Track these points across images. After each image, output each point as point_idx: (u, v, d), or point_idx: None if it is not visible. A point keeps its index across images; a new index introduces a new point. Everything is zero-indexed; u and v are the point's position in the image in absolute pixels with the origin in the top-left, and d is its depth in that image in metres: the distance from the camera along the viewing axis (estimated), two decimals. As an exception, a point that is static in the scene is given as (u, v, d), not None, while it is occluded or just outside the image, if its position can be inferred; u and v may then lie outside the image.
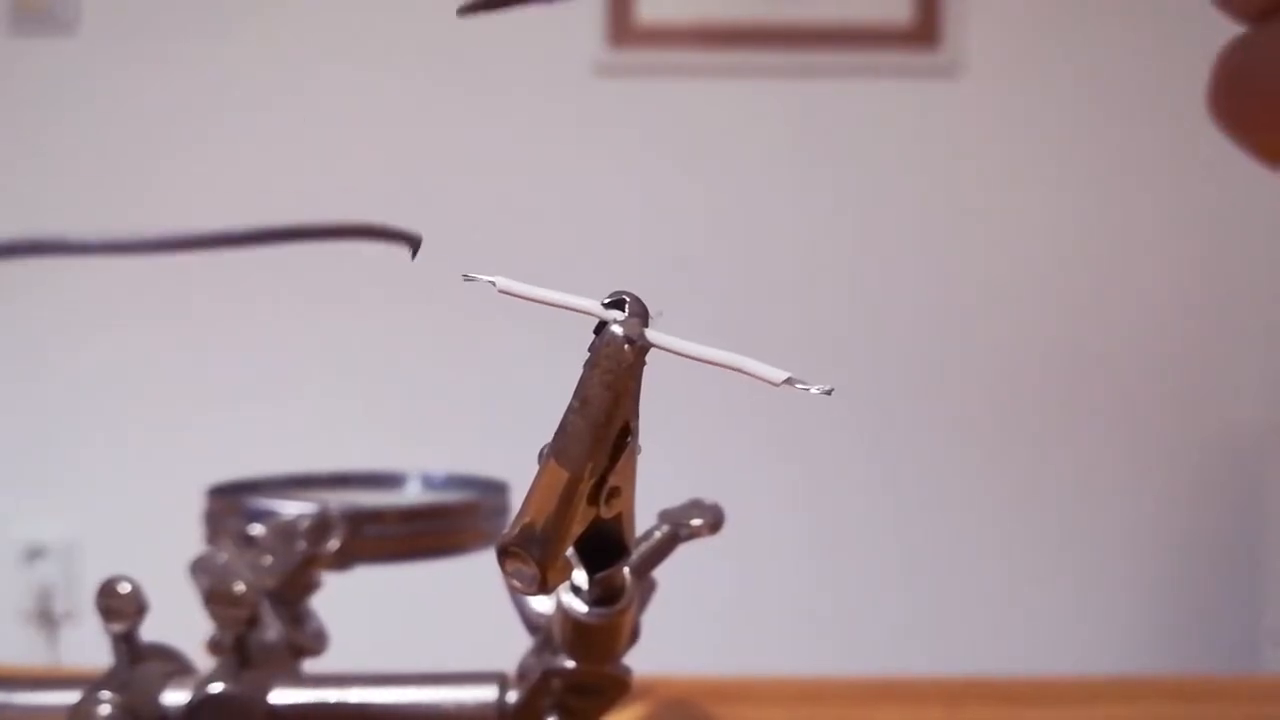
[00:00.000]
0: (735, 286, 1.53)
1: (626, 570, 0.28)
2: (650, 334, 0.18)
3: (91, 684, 0.33)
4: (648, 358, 0.18)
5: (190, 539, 0.47)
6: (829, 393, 0.16)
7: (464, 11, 0.17)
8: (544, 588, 0.19)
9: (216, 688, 0.34)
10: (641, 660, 0.32)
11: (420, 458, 0.64)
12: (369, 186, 1.52)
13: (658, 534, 0.31)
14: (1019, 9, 1.53)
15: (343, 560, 0.42)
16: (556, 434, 0.19)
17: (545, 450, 0.19)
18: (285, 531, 0.40)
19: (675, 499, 0.33)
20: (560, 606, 0.29)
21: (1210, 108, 0.23)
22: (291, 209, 1.58)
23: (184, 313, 1.52)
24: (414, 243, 0.16)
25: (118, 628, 0.34)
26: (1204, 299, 1.57)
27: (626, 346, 0.17)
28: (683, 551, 0.32)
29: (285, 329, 1.52)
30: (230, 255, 1.53)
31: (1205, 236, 1.53)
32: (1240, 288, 1.55)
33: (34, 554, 1.54)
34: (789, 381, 0.16)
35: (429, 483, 0.53)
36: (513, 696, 0.33)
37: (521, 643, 0.35)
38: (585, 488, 0.19)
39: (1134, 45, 1.52)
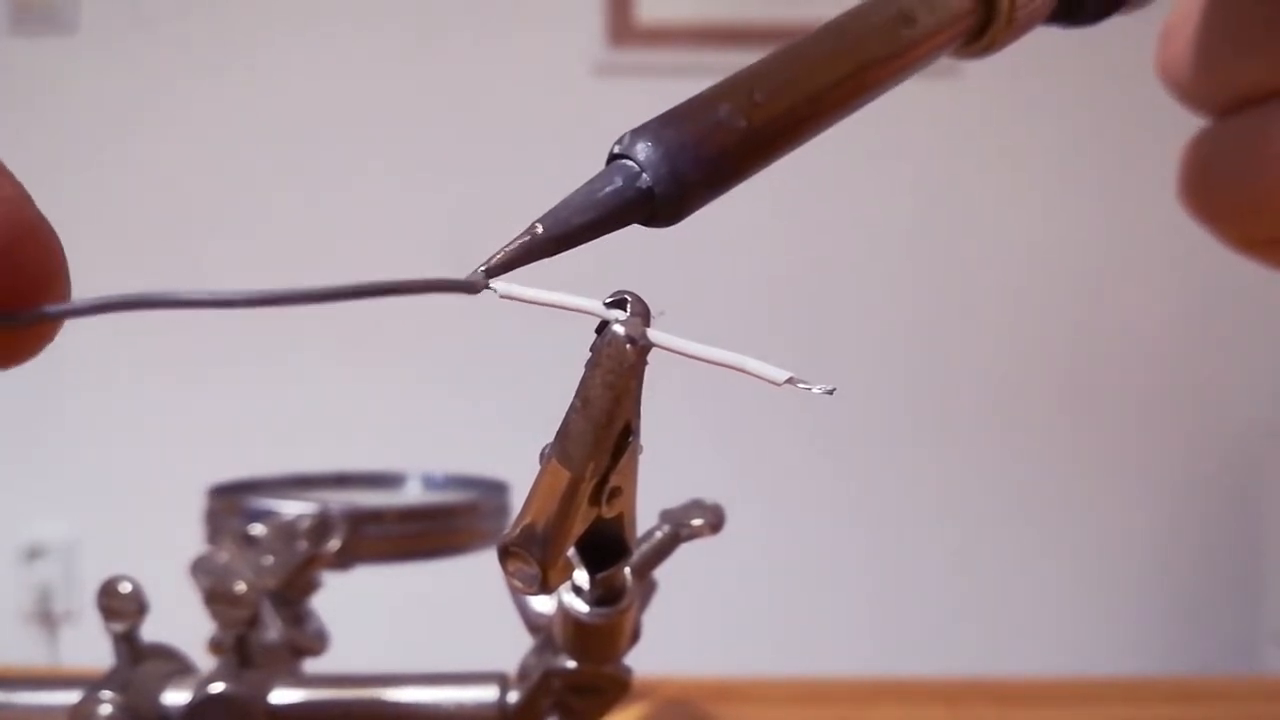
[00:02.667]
0: (734, 286, 1.53)
1: (627, 570, 0.28)
2: (652, 333, 0.18)
3: (92, 684, 0.33)
4: (649, 358, 0.18)
5: (190, 539, 0.47)
6: (831, 392, 0.16)
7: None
8: (545, 588, 0.19)
9: (217, 688, 0.34)
10: (642, 660, 0.32)
11: (420, 458, 0.64)
12: (369, 186, 1.52)
13: (659, 534, 0.31)
14: (1019, 9, 1.53)
15: (343, 560, 0.42)
16: (558, 434, 0.19)
17: (546, 450, 0.19)
18: (286, 531, 0.40)
19: (676, 499, 0.33)
20: (561, 607, 0.29)
21: (1181, 200, 0.23)
22: (291, 209, 1.59)
23: (184, 313, 1.52)
24: (477, 289, 0.17)
25: (118, 628, 0.34)
26: (1205, 299, 1.57)
27: (629, 346, 0.17)
28: (683, 551, 0.32)
29: (285, 329, 1.52)
30: (231, 259, 1.53)
31: (1206, 235, 1.53)
32: (1241, 288, 1.54)
33: (34, 554, 1.54)
34: (790, 381, 0.16)
35: (429, 483, 0.53)
36: (513, 696, 0.33)
37: (522, 643, 0.35)
38: (587, 488, 0.19)
39: (1136, 43, 1.52)
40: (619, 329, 0.17)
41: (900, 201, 1.56)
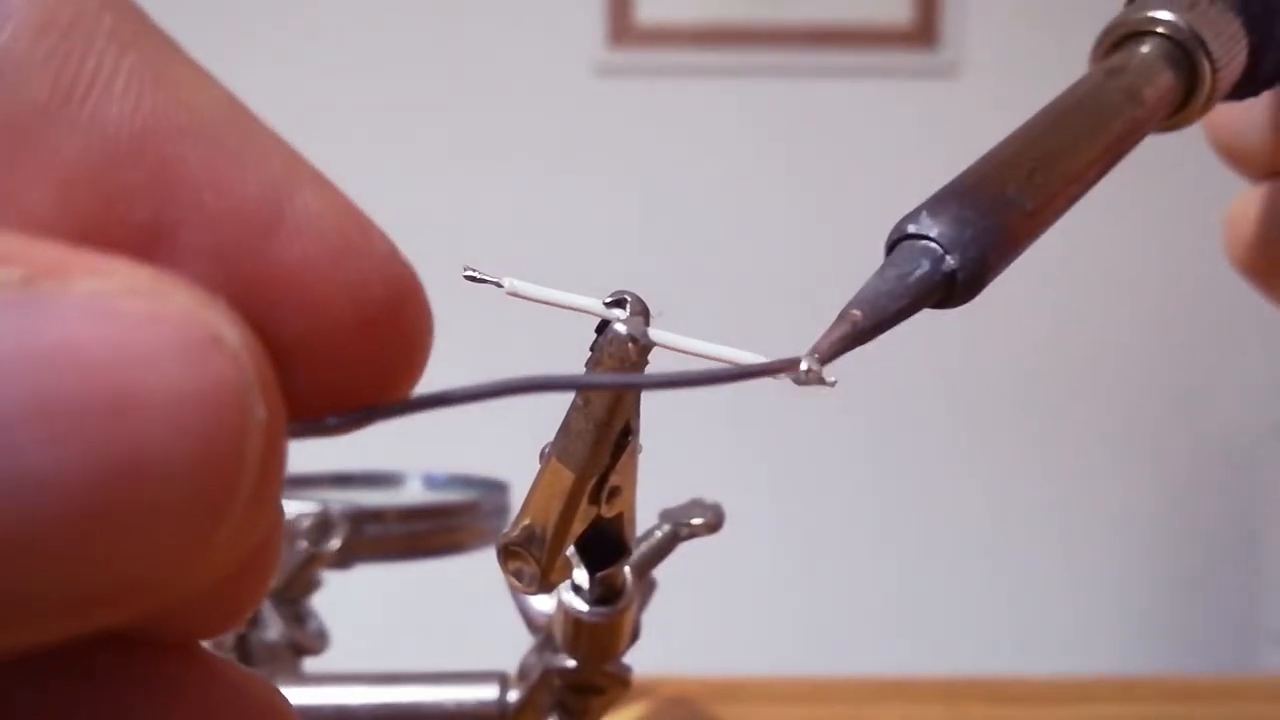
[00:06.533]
0: (735, 286, 1.53)
1: (627, 570, 0.28)
2: (653, 332, 0.18)
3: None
4: (649, 358, 0.18)
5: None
6: (834, 384, 0.16)
7: None
8: (545, 587, 0.20)
9: (217, 687, 0.33)
10: (641, 660, 0.32)
11: (420, 458, 0.64)
12: (368, 185, 1.52)
13: (658, 533, 0.31)
14: (1018, 8, 1.53)
15: (343, 559, 0.42)
16: (558, 433, 0.19)
17: (546, 449, 0.19)
18: (286, 531, 0.40)
19: (676, 498, 0.33)
20: (561, 606, 0.29)
21: (1230, 259, 0.23)
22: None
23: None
24: (802, 375, 0.16)
25: (118, 627, 0.34)
26: (1203, 298, 1.57)
27: (630, 345, 0.17)
28: (683, 551, 0.32)
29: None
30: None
31: (1205, 235, 1.53)
32: (1240, 287, 1.54)
33: (34, 554, 1.54)
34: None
35: (429, 482, 0.53)
36: (513, 696, 0.33)
37: (522, 642, 0.35)
38: (587, 487, 0.19)
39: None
40: (620, 328, 0.17)
41: (901, 201, 1.55)
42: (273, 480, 0.11)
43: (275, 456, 0.11)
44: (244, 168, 0.12)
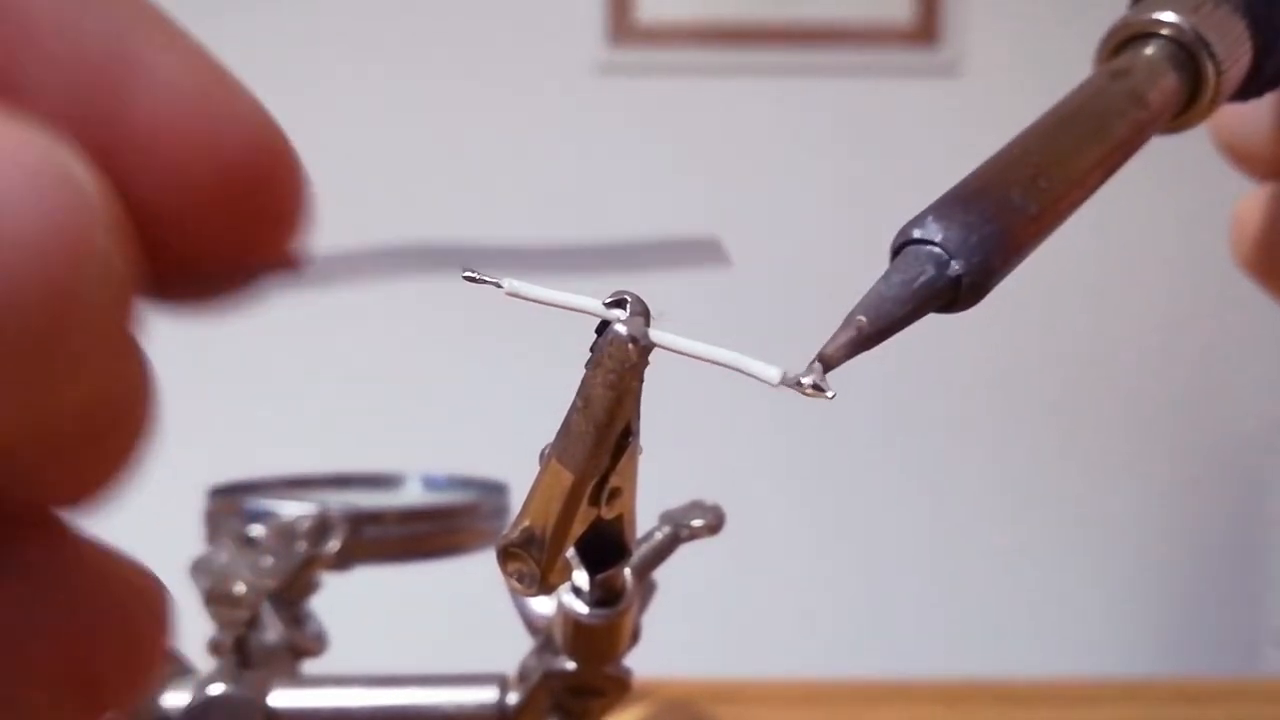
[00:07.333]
0: (734, 286, 1.53)
1: (627, 571, 0.28)
2: (653, 333, 0.17)
3: (90, 685, 0.33)
4: (650, 358, 0.18)
5: (190, 539, 0.47)
6: (831, 396, 0.16)
7: None
8: (544, 589, 0.19)
9: (216, 689, 0.33)
10: (642, 661, 0.32)
11: (420, 458, 0.64)
12: (368, 185, 1.52)
13: (658, 535, 0.31)
14: (1019, 7, 1.53)
15: (343, 561, 0.42)
16: (558, 434, 0.18)
17: (546, 451, 0.19)
18: (285, 532, 0.40)
19: (676, 499, 0.33)
20: (561, 608, 0.29)
21: (1235, 259, 0.23)
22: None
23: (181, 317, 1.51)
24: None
25: (117, 628, 0.34)
26: (1205, 298, 1.57)
27: (630, 345, 0.17)
28: (683, 552, 0.32)
29: (286, 329, 1.52)
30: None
31: (1207, 235, 1.53)
32: (1242, 287, 1.54)
33: (33, 554, 1.53)
34: (786, 383, 0.16)
35: (429, 483, 0.53)
36: (513, 698, 0.33)
37: (522, 643, 0.35)
38: (586, 488, 0.19)
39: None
40: (621, 328, 0.17)
41: (902, 199, 1.55)
42: (120, 325, 0.10)
43: (123, 300, 0.10)
44: (87, 11, 0.11)
